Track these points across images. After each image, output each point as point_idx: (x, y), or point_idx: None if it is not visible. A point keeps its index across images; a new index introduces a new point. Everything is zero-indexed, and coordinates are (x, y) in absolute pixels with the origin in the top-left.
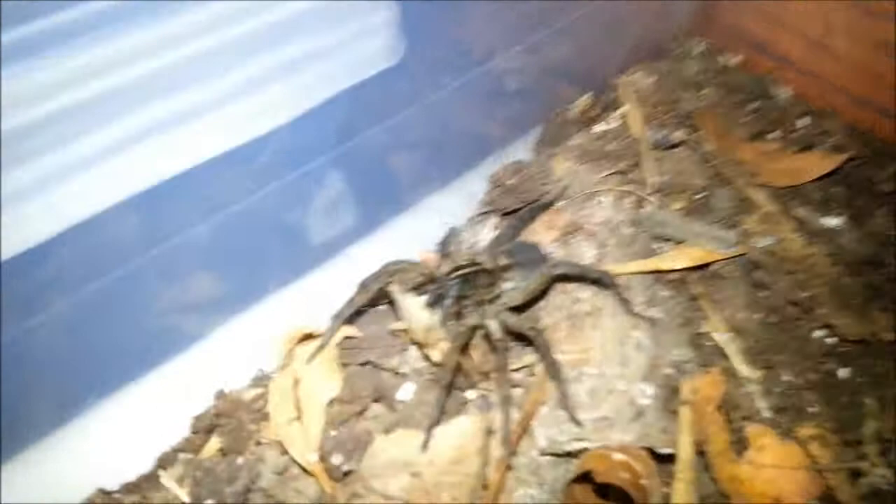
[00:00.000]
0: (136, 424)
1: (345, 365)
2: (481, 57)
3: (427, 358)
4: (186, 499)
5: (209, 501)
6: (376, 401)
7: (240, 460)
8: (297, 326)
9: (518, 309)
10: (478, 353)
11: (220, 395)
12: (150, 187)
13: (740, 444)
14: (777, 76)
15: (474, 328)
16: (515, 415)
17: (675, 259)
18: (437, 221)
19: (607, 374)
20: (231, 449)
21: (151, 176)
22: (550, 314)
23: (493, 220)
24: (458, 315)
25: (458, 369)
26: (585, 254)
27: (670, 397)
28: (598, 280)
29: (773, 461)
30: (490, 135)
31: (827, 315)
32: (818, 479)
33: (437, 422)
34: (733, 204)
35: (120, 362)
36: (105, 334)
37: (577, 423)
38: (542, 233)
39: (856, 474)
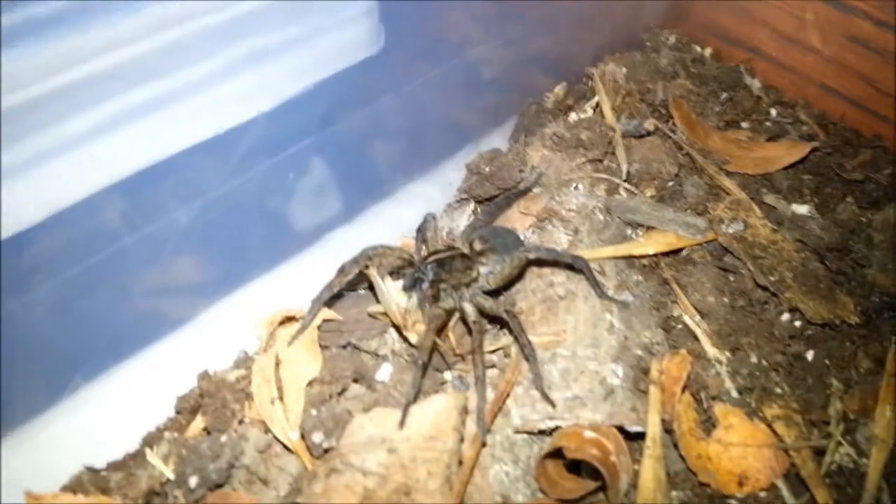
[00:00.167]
0: (122, 405)
1: (325, 347)
2: (458, 47)
3: (405, 340)
4: (171, 476)
5: (193, 478)
6: (356, 381)
7: (223, 438)
8: (279, 309)
9: (494, 292)
10: (454, 336)
11: (204, 375)
12: (133, 173)
13: (708, 423)
14: (749, 67)
15: (451, 311)
16: (490, 394)
17: (647, 245)
18: (417, 208)
19: (579, 355)
20: (215, 428)
21: (135, 162)
22: (526, 298)
23: (470, 207)
24: (435, 298)
25: (434, 350)
26: (560, 239)
27: (640, 378)
28: (572, 264)
29: (740, 440)
30: (467, 124)
31: (793, 299)
32: (783, 458)
33: (413, 400)
34: (704, 191)
35: (106, 345)
36: (91, 317)
37: (550, 402)
38: (517, 219)
39: (820, 453)
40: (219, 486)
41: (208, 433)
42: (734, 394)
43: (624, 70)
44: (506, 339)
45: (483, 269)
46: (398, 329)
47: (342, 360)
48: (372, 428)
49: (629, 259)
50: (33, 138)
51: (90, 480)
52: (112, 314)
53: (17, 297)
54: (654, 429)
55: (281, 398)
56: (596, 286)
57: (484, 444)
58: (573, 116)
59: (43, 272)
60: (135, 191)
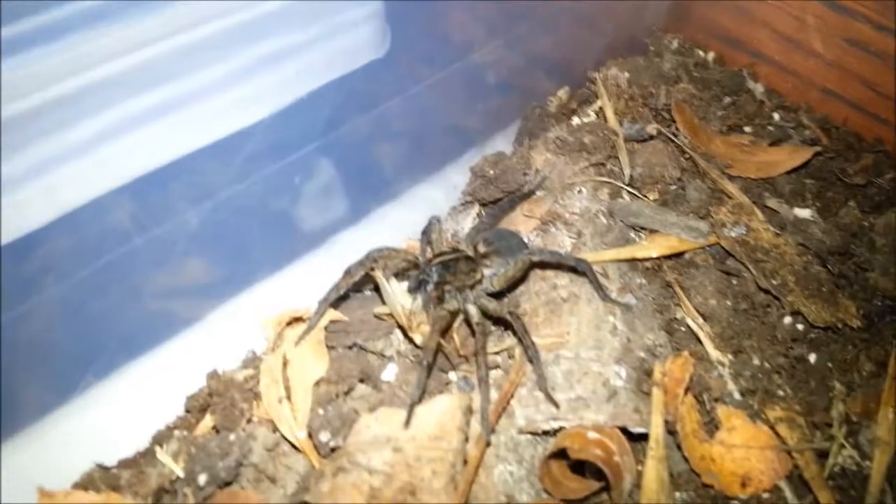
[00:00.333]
0: (132, 404)
1: (332, 347)
2: (462, 51)
3: (410, 341)
4: (181, 473)
5: (203, 476)
6: (362, 381)
7: (232, 437)
8: (286, 310)
9: (498, 294)
10: (459, 337)
11: (213, 375)
12: (143, 175)
13: (711, 425)
14: (751, 71)
15: (455, 312)
16: (494, 395)
17: (650, 248)
18: (421, 211)
19: (583, 356)
20: (224, 426)
21: (144, 165)
22: (529, 300)
23: (475, 210)
24: (440, 300)
25: (439, 351)
26: (563, 242)
27: (643, 379)
28: (575, 267)
29: (743, 441)
30: (471, 128)
31: (796, 302)
32: (786, 459)
33: (418, 400)
34: (706, 195)
35: (117, 344)
36: (102, 317)
37: (554, 403)
38: (521, 222)
39: (823, 455)
40: (227, 483)
41: (217, 432)
42: (737, 396)
43: (627, 74)
44: (509, 340)
45: (487, 272)
46: (403, 330)
47: (348, 360)
48: (377, 427)
49: (632, 262)
50: (43, 141)
51: (101, 478)
52: (122, 314)
53: (28, 298)
54: (657, 430)
55: (289, 397)
56: (599, 289)
57: (488, 444)
58: (576, 120)
59: (54, 273)
60: (144, 193)
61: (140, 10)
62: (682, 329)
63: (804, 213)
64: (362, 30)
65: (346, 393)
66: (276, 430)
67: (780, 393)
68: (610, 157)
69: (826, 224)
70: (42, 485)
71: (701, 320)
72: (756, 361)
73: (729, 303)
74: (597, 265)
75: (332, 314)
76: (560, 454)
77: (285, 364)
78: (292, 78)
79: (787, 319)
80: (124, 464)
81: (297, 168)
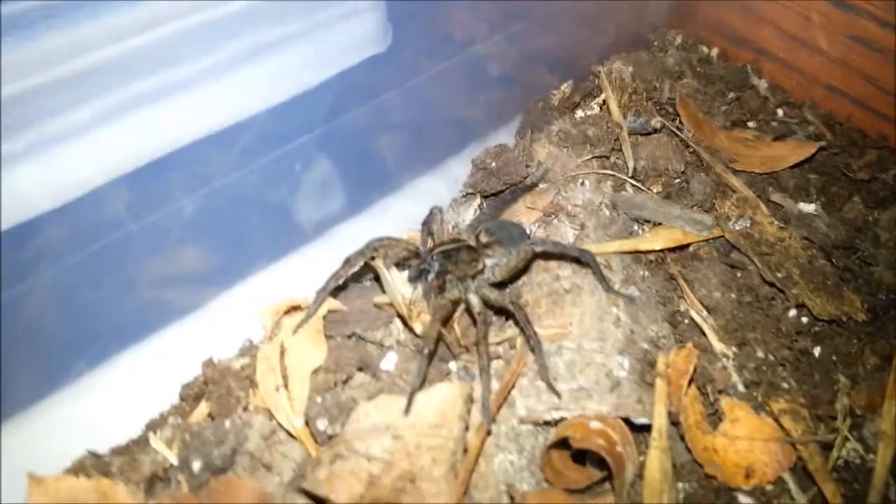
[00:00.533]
0: (125, 392)
1: (330, 337)
2: (464, 45)
3: (410, 330)
4: (175, 460)
5: (197, 463)
6: (361, 370)
7: (227, 424)
8: (285, 299)
9: (499, 285)
10: (460, 327)
11: (209, 363)
12: (141, 164)
13: (715, 417)
14: (755, 67)
15: (456, 302)
16: (495, 385)
17: (654, 240)
18: (423, 203)
19: (585, 347)
20: (219, 414)
21: (143, 152)
22: (531, 291)
23: (476, 202)
24: (441, 289)
25: (440, 341)
26: (566, 234)
27: (646, 370)
28: (578, 258)
29: (747, 433)
30: (473, 121)
31: (800, 295)
32: (790, 452)
33: (419, 388)
34: (710, 189)
35: (111, 332)
36: (96, 305)
37: (556, 393)
38: (523, 214)
39: (827, 448)
40: (222, 471)
41: (212, 419)
42: (741, 388)
43: (630, 68)
44: (511, 331)
45: (489, 262)
46: (403, 320)
47: (347, 349)
48: (377, 415)
49: (635, 254)
50: (39, 127)
51: (93, 465)
52: (117, 302)
53: (22, 284)
54: (660, 421)
55: (286, 386)
56: (602, 280)
57: (489, 433)
58: (580, 113)
59: (48, 260)
60: (142, 181)
61: None
62: (686, 321)
63: (808, 207)
64: (365, 22)
65: (345, 382)
66: (272, 418)
67: (785, 385)
68: (613, 150)
69: (830, 219)
70: (32, 471)
71: (705, 312)
72: (760, 354)
73: (733, 295)
74: (600, 257)
75: (331, 303)
76: (561, 444)
77: (283, 352)
78: (295, 69)
79: (792, 312)
80: (117, 451)
81: (298, 158)
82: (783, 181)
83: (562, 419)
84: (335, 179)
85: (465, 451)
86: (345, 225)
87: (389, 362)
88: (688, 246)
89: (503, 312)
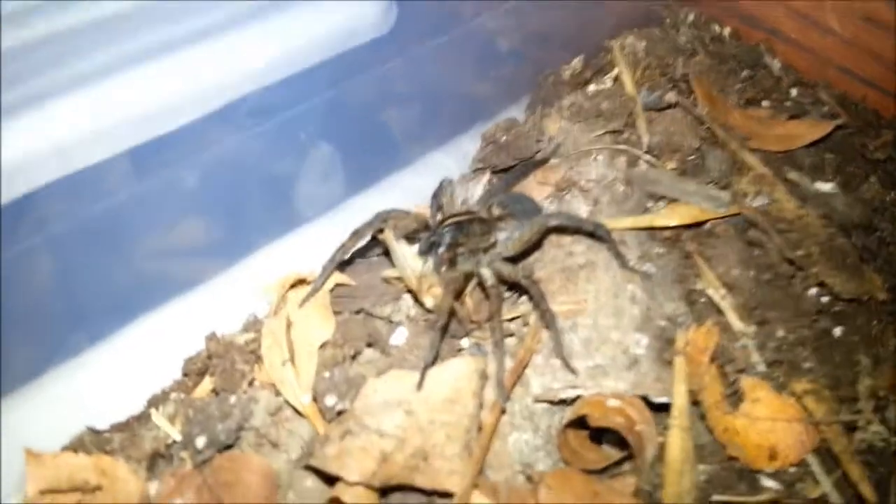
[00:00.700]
0: (127, 368)
1: (338, 312)
2: (473, 20)
3: (420, 305)
4: (178, 436)
5: (201, 438)
6: (370, 345)
7: (232, 399)
8: (291, 272)
9: (512, 259)
10: (472, 302)
11: (213, 337)
12: (147, 138)
13: (735, 397)
14: (768, 47)
15: (468, 275)
16: (509, 362)
17: (670, 217)
18: (432, 178)
19: (601, 324)
20: (223, 389)
21: (146, 126)
22: (545, 267)
23: (486, 177)
24: (452, 262)
25: (452, 315)
26: (579, 209)
27: (664, 348)
28: (594, 232)
29: (769, 414)
30: (484, 96)
31: (821, 274)
32: (814, 433)
33: (432, 363)
34: (726, 165)
35: (113, 306)
36: (97, 278)
37: (572, 370)
38: (535, 189)
39: (851, 428)
40: (227, 447)
41: (217, 394)
42: (761, 367)
43: (643, 44)
44: (524, 307)
45: (501, 235)
46: (413, 294)
47: (355, 324)
48: (387, 391)
49: (650, 231)
50: (38, 99)
51: (92, 441)
52: (118, 276)
53: (21, 258)
54: (680, 399)
55: (292, 360)
56: (618, 255)
57: (503, 411)
58: (592, 88)
59: (49, 233)
60: (144, 153)
61: None
62: (702, 300)
63: (825, 186)
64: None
65: (353, 357)
66: (278, 393)
67: (806, 365)
68: (627, 125)
69: (847, 198)
70: (29, 446)
71: (723, 290)
72: (781, 333)
73: (752, 273)
74: (615, 233)
75: (339, 277)
76: (578, 423)
77: (289, 326)
78: (303, 42)
79: (812, 291)
80: (117, 427)
81: (304, 128)
82: (799, 160)
83: (578, 397)
84: (343, 154)
85: (480, 429)
86: (353, 200)
87: (399, 337)
88: (704, 223)
89: (516, 288)
